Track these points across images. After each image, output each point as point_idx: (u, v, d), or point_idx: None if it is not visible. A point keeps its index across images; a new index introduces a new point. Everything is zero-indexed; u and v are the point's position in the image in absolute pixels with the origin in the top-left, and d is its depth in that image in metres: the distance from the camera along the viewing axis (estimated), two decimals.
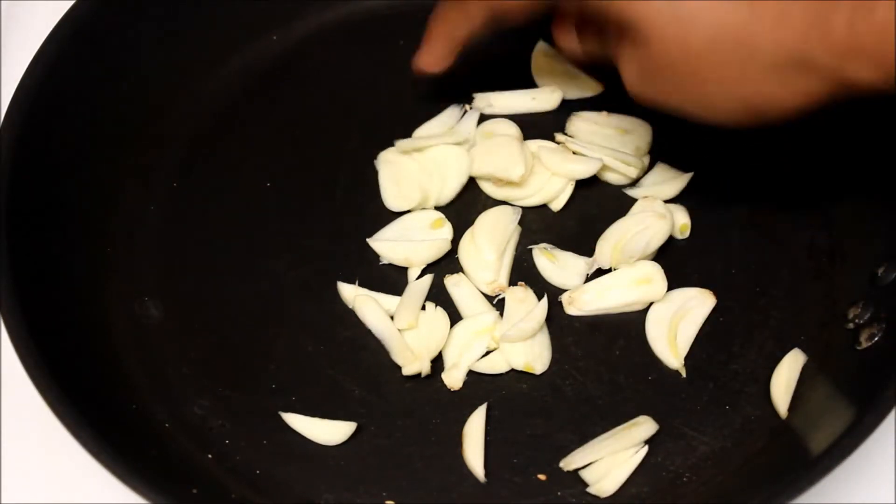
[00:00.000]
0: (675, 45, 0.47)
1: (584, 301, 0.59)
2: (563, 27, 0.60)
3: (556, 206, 0.62)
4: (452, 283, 0.59)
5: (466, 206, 0.63)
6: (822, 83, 0.46)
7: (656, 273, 0.59)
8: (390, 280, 0.60)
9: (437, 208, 0.63)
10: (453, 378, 0.56)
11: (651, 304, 0.59)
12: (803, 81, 0.46)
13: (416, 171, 0.63)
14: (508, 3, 0.55)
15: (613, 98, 0.63)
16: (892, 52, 0.44)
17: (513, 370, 0.57)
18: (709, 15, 0.46)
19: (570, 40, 0.60)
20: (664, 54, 0.48)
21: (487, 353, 0.57)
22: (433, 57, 0.61)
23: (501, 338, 0.57)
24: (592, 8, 0.50)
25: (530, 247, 0.61)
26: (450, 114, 0.66)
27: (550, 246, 0.61)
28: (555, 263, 0.60)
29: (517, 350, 0.57)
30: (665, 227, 0.59)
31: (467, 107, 0.66)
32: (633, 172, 0.62)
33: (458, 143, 0.63)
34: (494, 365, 0.57)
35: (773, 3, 0.45)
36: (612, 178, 0.63)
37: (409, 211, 0.62)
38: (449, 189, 0.63)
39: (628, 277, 0.59)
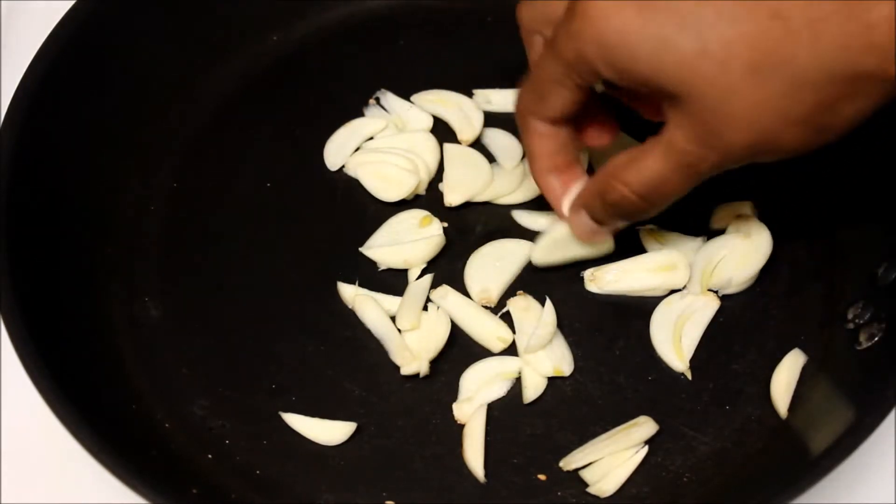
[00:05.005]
0: (717, 89, 0.44)
1: (607, 280, 0.59)
2: None
3: None
4: (439, 296, 0.59)
5: (468, 208, 0.63)
6: (875, 86, 0.44)
7: (681, 261, 0.59)
8: (391, 280, 0.60)
9: (431, 189, 0.64)
10: (463, 412, 0.55)
11: (671, 291, 0.59)
12: (857, 89, 0.44)
13: (391, 160, 0.63)
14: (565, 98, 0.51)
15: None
16: None
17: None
18: (741, 44, 0.43)
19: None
20: (711, 104, 0.45)
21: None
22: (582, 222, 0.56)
23: (525, 350, 0.56)
24: (622, 83, 0.47)
25: (638, 227, 0.60)
26: (370, 113, 0.67)
27: (656, 227, 0.60)
28: (663, 244, 0.60)
29: (541, 359, 0.56)
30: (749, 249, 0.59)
31: (372, 100, 0.67)
32: None
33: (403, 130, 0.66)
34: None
35: (805, 16, 0.42)
36: None
37: (405, 201, 0.63)
38: (431, 162, 0.64)
39: (653, 262, 0.59)
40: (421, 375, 0.56)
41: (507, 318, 0.58)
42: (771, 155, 0.47)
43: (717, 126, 0.46)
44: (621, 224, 0.55)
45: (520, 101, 0.54)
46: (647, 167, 0.49)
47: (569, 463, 0.54)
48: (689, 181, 0.49)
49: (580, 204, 0.55)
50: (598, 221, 0.54)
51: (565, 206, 0.56)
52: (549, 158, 0.55)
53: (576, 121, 0.54)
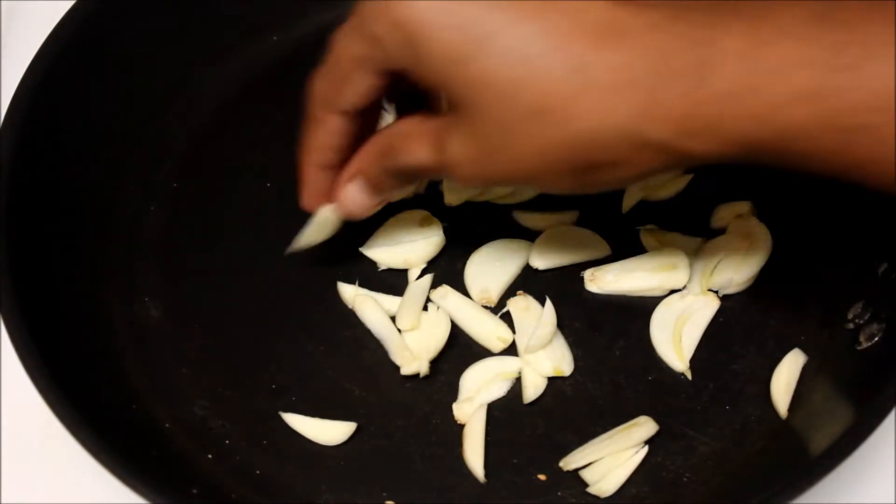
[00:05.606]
0: (497, 119, 0.42)
1: (606, 280, 0.59)
2: None
3: None
4: (439, 296, 0.59)
5: (468, 208, 0.63)
6: (657, 156, 0.42)
7: (681, 261, 0.59)
8: (391, 280, 0.60)
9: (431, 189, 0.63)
10: (463, 412, 0.56)
11: (671, 291, 0.59)
12: (636, 156, 0.42)
13: None
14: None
15: None
16: (734, 122, 0.40)
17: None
18: (530, 87, 0.41)
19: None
20: (490, 128, 0.43)
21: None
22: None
23: (525, 350, 0.56)
24: (415, 77, 0.45)
25: (638, 227, 0.61)
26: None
27: (656, 227, 0.61)
28: (663, 244, 0.60)
29: (541, 359, 0.56)
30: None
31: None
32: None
33: None
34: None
35: (607, 80, 0.40)
36: None
37: (405, 201, 0.62)
38: None
39: (653, 262, 0.59)
40: (421, 375, 0.56)
41: (507, 318, 0.58)
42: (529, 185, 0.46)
43: (487, 152, 0.44)
44: (398, 189, 0.52)
45: (316, 88, 0.50)
46: (417, 153, 0.47)
47: (569, 463, 0.54)
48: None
49: (355, 172, 0.52)
50: (376, 187, 0.52)
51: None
52: (329, 153, 0.52)
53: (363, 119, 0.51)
